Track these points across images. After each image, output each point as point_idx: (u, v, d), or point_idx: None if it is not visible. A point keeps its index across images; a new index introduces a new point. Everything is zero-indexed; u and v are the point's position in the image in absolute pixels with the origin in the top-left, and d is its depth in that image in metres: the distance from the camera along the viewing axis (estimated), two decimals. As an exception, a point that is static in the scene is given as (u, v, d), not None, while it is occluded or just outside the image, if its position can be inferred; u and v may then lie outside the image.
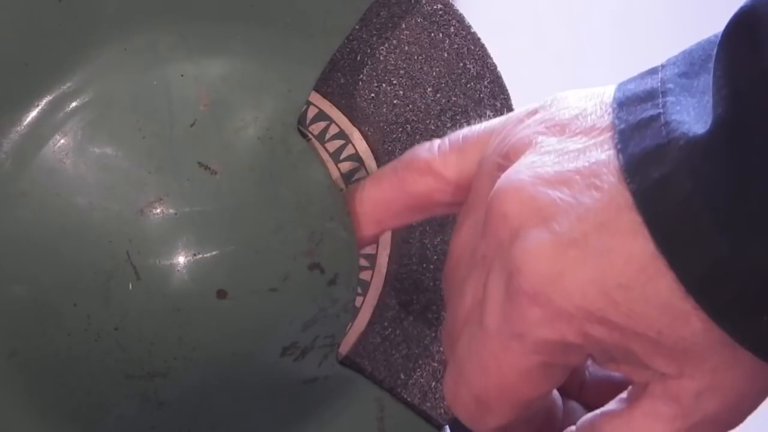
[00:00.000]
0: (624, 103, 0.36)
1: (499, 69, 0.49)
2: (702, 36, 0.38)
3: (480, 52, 0.48)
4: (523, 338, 0.35)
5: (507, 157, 0.38)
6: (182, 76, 0.43)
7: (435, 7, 0.47)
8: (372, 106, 0.47)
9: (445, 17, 0.47)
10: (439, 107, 0.48)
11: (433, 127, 0.48)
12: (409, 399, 0.49)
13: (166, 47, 0.43)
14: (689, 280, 0.33)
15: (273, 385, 0.46)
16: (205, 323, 0.43)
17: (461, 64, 0.48)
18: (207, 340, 0.43)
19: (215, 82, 0.44)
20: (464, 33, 0.48)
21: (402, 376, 0.49)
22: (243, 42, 0.44)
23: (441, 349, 0.49)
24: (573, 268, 0.34)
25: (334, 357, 0.46)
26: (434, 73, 0.48)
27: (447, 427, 0.50)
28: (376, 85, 0.47)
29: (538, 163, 0.36)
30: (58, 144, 0.42)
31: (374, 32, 0.47)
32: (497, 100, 0.48)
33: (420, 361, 0.49)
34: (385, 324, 0.48)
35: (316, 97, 0.46)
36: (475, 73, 0.48)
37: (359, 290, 0.47)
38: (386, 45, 0.47)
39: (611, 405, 0.38)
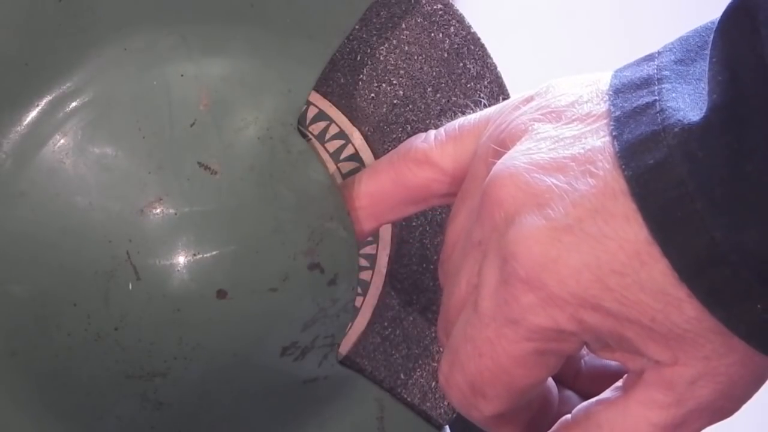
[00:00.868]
0: (620, 90, 0.36)
1: (499, 69, 0.49)
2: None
3: (480, 52, 0.48)
4: (517, 324, 0.36)
5: (503, 144, 0.38)
6: (182, 76, 0.43)
7: (435, 7, 0.47)
8: (372, 106, 0.47)
9: (445, 17, 0.47)
10: (439, 107, 0.48)
11: (432, 127, 0.48)
12: (409, 399, 0.49)
13: (166, 47, 0.43)
14: (683, 265, 0.33)
15: (273, 385, 0.46)
16: (205, 323, 0.43)
17: (461, 64, 0.48)
18: (207, 340, 0.43)
19: (215, 82, 0.44)
20: (464, 33, 0.48)
21: (402, 376, 0.49)
22: (243, 42, 0.44)
23: (441, 348, 0.49)
24: (567, 254, 0.34)
25: (334, 357, 0.46)
26: (434, 73, 0.48)
27: (447, 427, 0.50)
28: (376, 85, 0.47)
29: (533, 149, 0.36)
30: (58, 144, 0.42)
31: (374, 32, 0.47)
32: (497, 100, 0.48)
33: (420, 361, 0.49)
34: (385, 324, 0.49)
35: (316, 97, 0.46)
36: (475, 73, 0.48)
37: (359, 290, 0.47)
38: (386, 45, 0.47)
39: (606, 393, 0.38)
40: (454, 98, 0.48)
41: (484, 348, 0.37)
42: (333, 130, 0.47)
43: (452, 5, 0.48)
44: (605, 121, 0.35)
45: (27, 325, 0.43)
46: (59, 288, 0.42)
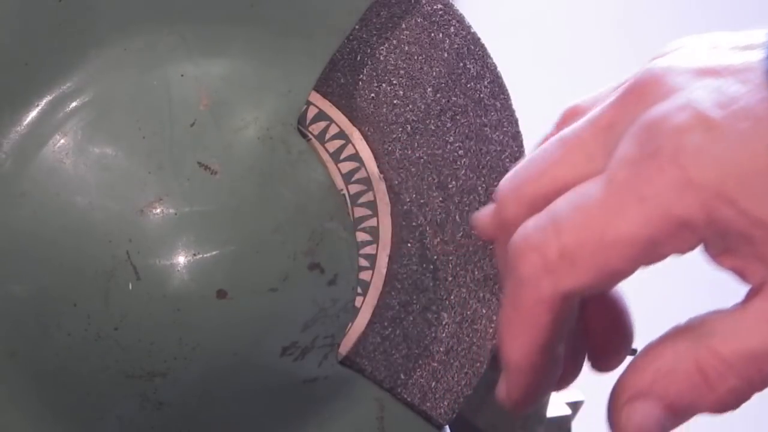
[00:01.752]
0: None
1: (499, 69, 0.49)
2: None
3: (480, 52, 0.48)
4: (644, 202, 0.35)
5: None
6: (182, 76, 0.43)
7: (435, 7, 0.47)
8: (372, 106, 0.47)
9: (445, 17, 0.47)
10: (439, 107, 0.48)
11: (433, 127, 0.48)
12: (409, 399, 0.49)
13: (166, 47, 0.43)
14: None
15: (273, 385, 0.46)
16: (205, 323, 0.43)
17: (461, 64, 0.48)
18: (207, 340, 0.43)
19: (215, 82, 0.44)
20: (464, 33, 0.48)
21: (402, 376, 0.49)
22: (243, 42, 0.44)
23: (441, 348, 0.49)
24: (714, 144, 0.34)
25: (334, 357, 0.46)
26: (434, 73, 0.48)
27: (447, 427, 0.50)
28: (376, 85, 0.47)
29: (688, 58, 0.36)
30: (58, 144, 0.42)
31: (374, 32, 0.47)
32: (497, 99, 0.48)
33: (420, 361, 0.49)
34: (385, 324, 0.48)
35: (316, 97, 0.46)
36: (475, 73, 0.48)
37: (359, 290, 0.47)
38: (386, 45, 0.47)
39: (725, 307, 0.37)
40: (454, 98, 0.48)
41: (597, 218, 0.36)
42: (333, 130, 0.47)
43: (452, 5, 0.48)
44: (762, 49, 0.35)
45: (27, 325, 0.43)
46: (59, 288, 0.42)
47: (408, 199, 0.48)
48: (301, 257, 0.44)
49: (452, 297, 0.49)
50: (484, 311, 0.49)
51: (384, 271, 0.48)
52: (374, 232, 0.48)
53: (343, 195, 0.46)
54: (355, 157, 0.47)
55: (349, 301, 0.45)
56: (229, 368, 0.44)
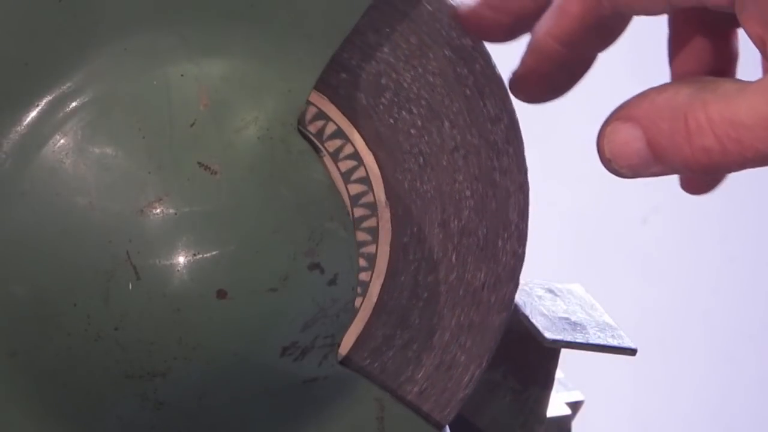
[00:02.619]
0: None
1: (516, 115, 0.49)
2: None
3: (501, 94, 0.48)
4: None
5: None
6: (182, 76, 0.43)
7: (464, 41, 0.47)
8: (389, 131, 0.47)
9: (473, 54, 0.47)
10: (453, 143, 0.48)
11: (444, 163, 0.48)
12: (409, 399, 0.49)
13: (166, 47, 0.43)
14: None
15: (273, 385, 0.46)
16: (205, 323, 0.43)
17: (481, 104, 0.48)
18: (207, 340, 0.43)
19: (215, 82, 0.44)
20: (489, 72, 0.48)
21: (402, 376, 0.49)
22: (243, 42, 0.44)
23: (414, 389, 0.49)
24: None
25: (334, 357, 0.46)
26: (454, 108, 0.47)
27: (447, 427, 0.50)
28: (396, 111, 0.47)
29: None
30: (58, 144, 0.42)
31: (402, 58, 0.47)
32: (511, 145, 0.48)
33: (421, 361, 0.49)
34: (365, 355, 0.48)
35: (336, 114, 0.46)
36: (493, 115, 0.48)
37: (359, 290, 0.47)
38: (412, 73, 0.47)
39: None
40: (469, 137, 0.48)
41: None
42: (348, 149, 0.47)
43: (482, 43, 0.47)
44: None
45: (27, 325, 0.43)
46: (59, 288, 0.42)
47: (409, 232, 0.48)
48: (301, 257, 0.44)
49: (435, 338, 0.49)
50: (462, 359, 0.49)
51: (384, 270, 0.48)
52: (371, 258, 0.48)
53: (346, 208, 0.46)
54: (365, 180, 0.47)
55: (349, 301, 0.45)
56: (229, 368, 0.44)
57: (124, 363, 0.43)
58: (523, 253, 0.50)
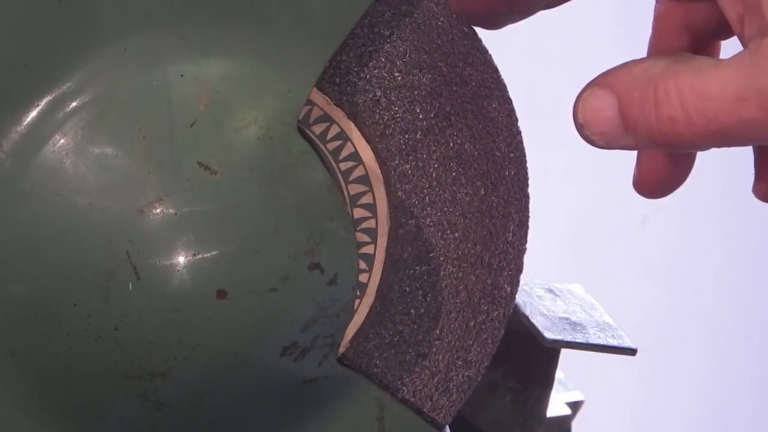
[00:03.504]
0: None
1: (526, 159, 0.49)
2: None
3: (504, 97, 0.48)
4: None
5: None
6: (182, 76, 0.43)
7: (466, 42, 0.47)
8: (390, 131, 0.47)
9: (475, 54, 0.48)
10: (454, 148, 0.48)
11: (444, 168, 0.48)
12: (409, 399, 0.49)
13: (166, 47, 0.43)
14: None
15: (273, 385, 0.46)
16: (205, 323, 0.43)
17: (483, 107, 0.48)
18: (207, 340, 0.43)
19: (215, 82, 0.44)
20: (491, 75, 0.48)
21: (402, 377, 0.49)
22: (243, 42, 0.44)
23: (440, 350, 0.49)
24: None
25: (334, 357, 0.46)
26: (456, 112, 0.48)
27: (447, 427, 0.50)
28: (397, 111, 0.47)
29: None
30: (58, 144, 0.42)
31: (403, 58, 0.47)
32: (512, 152, 0.49)
33: (420, 361, 0.49)
34: (385, 324, 0.48)
35: (339, 116, 0.46)
36: (495, 119, 0.48)
37: (357, 292, 0.47)
38: (413, 73, 0.47)
39: None
40: (468, 145, 0.48)
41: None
42: (359, 171, 0.47)
43: (482, 43, 0.48)
44: None
45: (27, 325, 0.43)
46: (59, 288, 0.42)
47: (408, 233, 0.48)
48: (301, 257, 0.44)
49: (434, 339, 0.49)
50: (462, 359, 0.50)
51: (373, 300, 0.48)
52: (370, 259, 0.48)
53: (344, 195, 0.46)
54: (365, 180, 0.47)
55: (349, 301, 0.45)
56: (229, 368, 0.44)
57: (124, 363, 0.43)
58: (523, 255, 0.50)
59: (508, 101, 0.49)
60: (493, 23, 0.45)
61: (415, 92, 0.47)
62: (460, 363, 0.49)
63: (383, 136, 0.47)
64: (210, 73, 0.44)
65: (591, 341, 0.59)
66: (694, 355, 1.80)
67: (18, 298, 0.42)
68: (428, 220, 0.48)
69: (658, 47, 0.43)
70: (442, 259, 0.48)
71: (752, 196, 0.44)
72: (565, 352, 0.61)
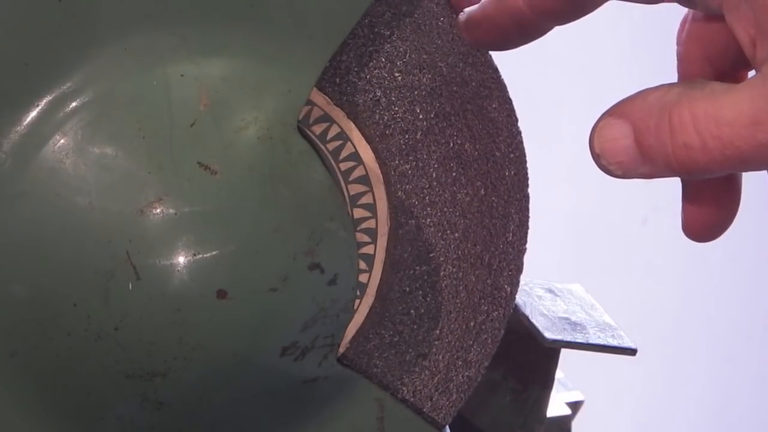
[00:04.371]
0: None
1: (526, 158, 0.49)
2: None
3: (505, 99, 0.48)
4: None
5: None
6: (182, 76, 0.43)
7: (467, 43, 0.47)
8: (390, 131, 0.47)
9: (476, 55, 0.48)
10: (454, 148, 0.48)
11: (444, 168, 0.48)
12: (409, 399, 0.49)
13: (166, 47, 0.43)
14: None
15: (273, 385, 0.46)
16: (205, 323, 0.43)
17: (484, 108, 0.48)
18: (207, 340, 0.43)
19: (215, 82, 0.44)
20: (492, 76, 0.48)
21: (402, 377, 0.49)
22: (243, 42, 0.44)
23: (440, 350, 0.49)
24: None
25: (334, 357, 0.46)
26: (456, 113, 0.48)
27: (447, 427, 0.50)
28: (398, 111, 0.47)
29: None
30: (58, 144, 0.42)
31: (404, 58, 0.47)
32: (512, 153, 0.49)
33: (420, 361, 0.49)
34: (385, 324, 0.48)
35: (339, 116, 0.46)
36: (496, 120, 0.48)
37: (357, 292, 0.47)
38: (414, 74, 0.47)
39: None
40: (468, 146, 0.48)
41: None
42: (359, 171, 0.47)
43: (500, 75, 0.48)
44: None
45: (27, 325, 0.43)
46: (59, 288, 0.42)
47: (408, 233, 0.48)
48: (301, 257, 0.44)
49: (434, 339, 0.49)
50: (462, 360, 0.50)
51: (373, 300, 0.48)
52: (370, 259, 0.48)
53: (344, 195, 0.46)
54: (365, 180, 0.47)
55: (349, 301, 0.45)
56: (229, 368, 0.44)
57: (124, 363, 0.43)
58: (523, 255, 0.50)
59: (508, 101, 0.49)
60: (506, 47, 0.45)
61: (415, 92, 0.47)
62: (460, 363, 0.49)
63: (383, 136, 0.47)
64: (210, 73, 0.44)
65: (591, 341, 0.59)
66: (694, 355, 1.80)
67: (18, 298, 0.42)
68: (428, 220, 0.48)
69: (683, 72, 0.43)
70: (442, 259, 0.48)
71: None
72: (565, 352, 0.61)
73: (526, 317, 0.59)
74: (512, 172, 0.49)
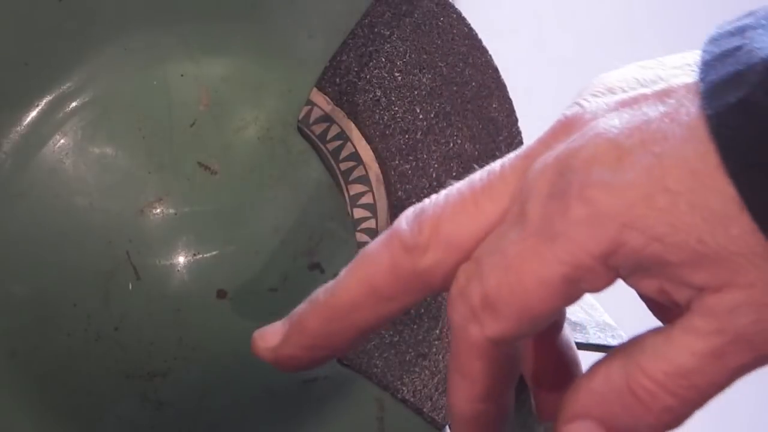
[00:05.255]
0: (714, 39, 0.35)
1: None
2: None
3: (504, 99, 0.48)
4: (555, 241, 0.34)
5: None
6: (182, 76, 0.43)
7: (467, 44, 0.47)
8: (391, 131, 0.47)
9: (476, 56, 0.48)
10: (454, 148, 0.48)
11: (444, 167, 0.48)
12: (409, 399, 0.49)
13: (166, 47, 0.43)
14: (759, 204, 0.32)
15: (273, 385, 0.46)
16: (205, 323, 0.43)
17: (484, 109, 0.48)
18: (207, 340, 0.43)
19: (215, 82, 0.44)
20: (492, 76, 0.48)
21: (402, 377, 0.49)
22: (243, 42, 0.44)
23: (441, 350, 0.49)
24: (622, 173, 0.34)
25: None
26: (456, 113, 0.48)
27: (447, 427, 0.50)
28: (398, 111, 0.47)
29: (611, 93, 0.36)
30: (58, 144, 0.42)
31: (404, 59, 0.47)
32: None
33: (420, 361, 0.49)
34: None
35: (339, 116, 0.46)
36: (496, 120, 0.48)
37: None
38: (414, 74, 0.47)
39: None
40: (467, 145, 0.48)
41: (513, 261, 0.35)
42: (359, 171, 0.47)
43: (483, 44, 0.48)
44: (694, 67, 0.35)
45: (27, 325, 0.43)
46: (59, 288, 0.42)
47: None
48: (301, 257, 0.44)
49: (434, 339, 0.49)
50: None
51: None
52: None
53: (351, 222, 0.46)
54: (365, 180, 0.47)
55: (349, 301, 0.45)
56: (229, 368, 0.44)
57: (124, 363, 0.43)
58: None
59: (508, 101, 0.49)
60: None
61: (415, 92, 0.47)
62: None
63: (383, 136, 0.47)
64: (210, 72, 0.44)
65: (591, 341, 0.59)
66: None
67: (18, 299, 0.42)
68: None
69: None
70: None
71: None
72: (564, 352, 0.60)
73: (526, 317, 0.59)
74: None
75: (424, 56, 0.47)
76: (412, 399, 0.49)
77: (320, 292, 0.38)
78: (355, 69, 0.47)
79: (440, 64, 0.47)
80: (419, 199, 0.48)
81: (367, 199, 0.47)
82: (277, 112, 0.44)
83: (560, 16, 1.42)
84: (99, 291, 0.42)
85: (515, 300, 0.35)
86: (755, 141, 0.32)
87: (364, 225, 0.48)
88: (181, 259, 0.42)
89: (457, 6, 0.48)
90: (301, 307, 0.39)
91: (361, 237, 0.47)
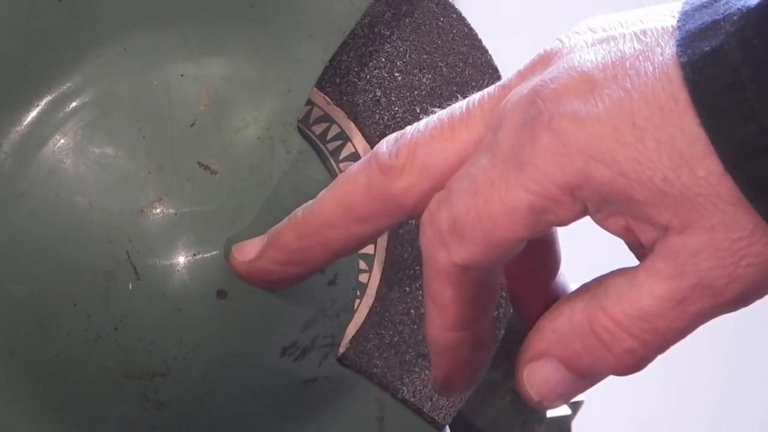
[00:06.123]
0: None
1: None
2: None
3: None
4: (523, 169, 0.34)
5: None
6: (182, 76, 0.43)
7: (466, 43, 0.47)
8: (391, 131, 0.47)
9: (476, 55, 0.48)
10: None
11: None
12: (409, 399, 0.49)
13: (166, 47, 0.43)
14: (728, 151, 0.32)
15: (273, 385, 0.46)
16: (205, 323, 0.43)
17: None
18: (207, 340, 0.43)
19: (215, 82, 0.44)
20: (492, 75, 0.48)
21: (402, 377, 0.49)
22: (243, 42, 0.44)
23: None
24: (591, 106, 0.34)
25: (334, 357, 0.46)
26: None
27: (447, 427, 0.50)
28: (398, 111, 0.47)
29: (592, 31, 0.36)
30: (58, 144, 0.42)
31: (404, 58, 0.47)
32: None
33: (420, 362, 0.49)
34: (385, 324, 0.48)
35: (339, 116, 0.46)
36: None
37: (357, 292, 0.47)
38: (414, 73, 0.47)
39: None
40: None
41: (482, 187, 0.35)
42: (347, 150, 0.47)
43: (482, 44, 0.48)
44: (676, 14, 0.35)
45: (27, 325, 0.43)
46: (59, 288, 0.42)
47: (407, 233, 0.48)
48: (301, 257, 0.44)
49: None
50: None
51: (373, 300, 0.48)
52: (369, 260, 0.48)
53: None
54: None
55: (349, 301, 0.45)
56: (229, 368, 0.44)
57: (124, 363, 0.43)
58: None
59: None
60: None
61: (415, 92, 0.47)
62: None
63: (383, 136, 0.47)
64: (210, 73, 0.44)
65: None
66: (694, 355, 1.81)
67: (18, 299, 0.42)
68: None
69: None
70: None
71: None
72: (565, 352, 0.60)
73: (526, 317, 0.59)
74: None
75: (424, 56, 0.47)
76: (412, 399, 0.49)
77: (299, 210, 0.40)
78: (355, 69, 0.47)
79: (440, 64, 0.47)
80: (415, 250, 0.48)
81: (367, 250, 0.47)
82: (277, 112, 0.44)
83: (560, 16, 1.42)
84: (99, 291, 0.42)
85: (481, 225, 0.35)
86: (726, 86, 0.32)
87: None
88: (181, 259, 0.42)
89: (457, 6, 0.48)
90: (279, 224, 0.40)
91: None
